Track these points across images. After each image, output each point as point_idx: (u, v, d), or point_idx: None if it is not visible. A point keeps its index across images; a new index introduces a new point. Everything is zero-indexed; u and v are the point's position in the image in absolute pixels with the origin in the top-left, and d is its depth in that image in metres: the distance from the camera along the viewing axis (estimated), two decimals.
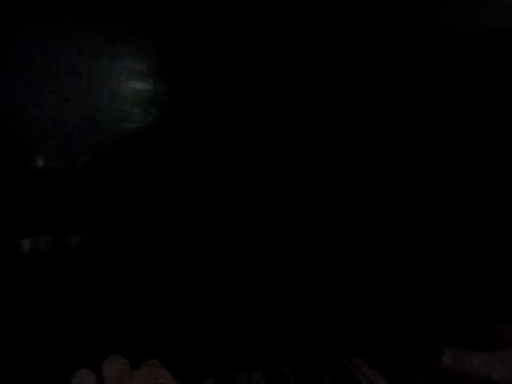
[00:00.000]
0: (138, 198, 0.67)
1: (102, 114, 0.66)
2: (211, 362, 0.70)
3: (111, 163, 0.67)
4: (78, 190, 0.66)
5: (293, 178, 0.71)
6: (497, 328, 0.71)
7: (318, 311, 0.73)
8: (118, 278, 0.67)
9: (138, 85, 0.67)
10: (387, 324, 0.75)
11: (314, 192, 0.72)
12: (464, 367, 0.61)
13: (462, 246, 0.76)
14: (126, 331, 0.67)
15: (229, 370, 0.70)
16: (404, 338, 0.75)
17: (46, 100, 0.64)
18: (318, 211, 0.72)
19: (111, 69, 0.66)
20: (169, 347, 0.68)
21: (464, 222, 0.76)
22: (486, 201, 0.76)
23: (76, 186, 0.66)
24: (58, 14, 0.63)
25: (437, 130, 0.75)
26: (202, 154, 0.69)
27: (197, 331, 0.69)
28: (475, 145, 0.76)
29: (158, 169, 0.68)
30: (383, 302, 0.75)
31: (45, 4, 0.62)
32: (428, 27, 0.73)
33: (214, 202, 0.69)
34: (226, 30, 0.67)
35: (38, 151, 0.65)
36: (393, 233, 0.74)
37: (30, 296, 0.64)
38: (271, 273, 0.71)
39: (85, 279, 0.66)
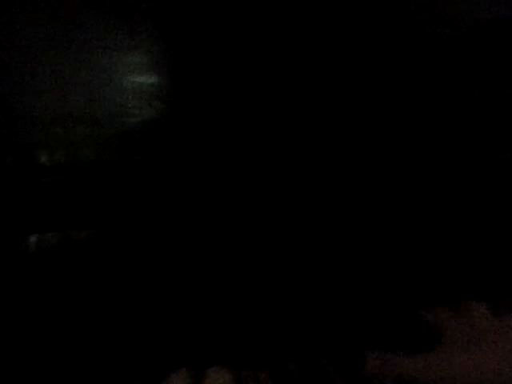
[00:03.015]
0: (140, 192, 0.67)
1: (104, 109, 0.66)
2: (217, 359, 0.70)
3: (114, 158, 0.67)
4: (82, 184, 0.66)
5: (295, 168, 0.71)
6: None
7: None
8: (129, 270, 0.67)
9: (141, 79, 0.67)
10: None
11: (316, 181, 0.72)
12: (391, 372, 0.60)
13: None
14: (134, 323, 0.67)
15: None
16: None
17: (50, 96, 0.64)
18: (322, 203, 0.72)
19: (113, 63, 0.65)
20: (176, 344, 0.68)
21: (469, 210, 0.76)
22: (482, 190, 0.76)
23: (80, 180, 0.66)
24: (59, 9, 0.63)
25: (437, 124, 0.75)
26: (204, 148, 0.69)
27: (201, 328, 0.69)
28: (477, 135, 0.76)
29: (160, 162, 0.68)
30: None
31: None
32: (428, 24, 0.73)
33: (217, 194, 0.69)
34: (226, 27, 0.68)
35: (42, 147, 0.65)
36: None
37: (35, 292, 0.65)
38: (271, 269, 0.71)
39: (94, 271, 0.66)
